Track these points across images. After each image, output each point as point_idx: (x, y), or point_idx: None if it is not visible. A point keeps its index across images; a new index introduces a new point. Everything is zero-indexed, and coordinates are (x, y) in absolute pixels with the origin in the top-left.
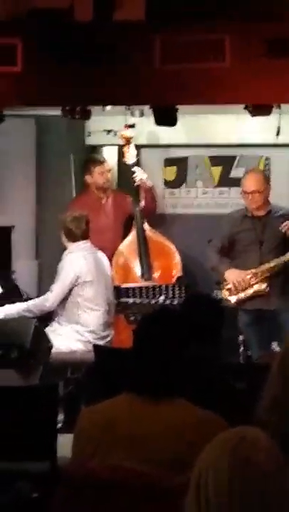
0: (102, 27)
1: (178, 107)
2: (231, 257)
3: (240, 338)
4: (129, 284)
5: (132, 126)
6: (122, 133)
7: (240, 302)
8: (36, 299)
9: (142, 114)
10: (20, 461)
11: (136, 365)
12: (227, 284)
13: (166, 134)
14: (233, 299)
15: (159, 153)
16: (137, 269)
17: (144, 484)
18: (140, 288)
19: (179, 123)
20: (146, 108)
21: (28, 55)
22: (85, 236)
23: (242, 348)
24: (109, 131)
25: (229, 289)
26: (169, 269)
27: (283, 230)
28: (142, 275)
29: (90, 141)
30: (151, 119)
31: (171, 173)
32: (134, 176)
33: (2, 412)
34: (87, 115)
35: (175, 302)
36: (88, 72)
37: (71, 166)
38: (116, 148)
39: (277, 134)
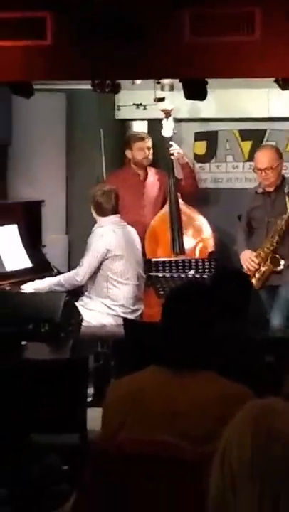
0: (132, 0)
1: (208, 80)
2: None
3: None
4: (160, 257)
5: (162, 99)
6: (161, 105)
7: (258, 285)
8: (66, 273)
9: (171, 88)
10: (50, 434)
11: (164, 339)
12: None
13: (196, 108)
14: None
15: (189, 128)
16: (169, 242)
17: (172, 456)
18: (170, 262)
19: (208, 97)
20: (176, 82)
21: (57, 29)
22: (114, 211)
23: (271, 323)
24: (138, 105)
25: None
26: (200, 244)
27: None
28: (174, 249)
29: (120, 115)
30: (181, 92)
31: (201, 147)
32: (172, 149)
33: (33, 385)
34: (116, 89)
35: (205, 276)
36: (118, 45)
37: (101, 141)
38: (146, 122)
39: None
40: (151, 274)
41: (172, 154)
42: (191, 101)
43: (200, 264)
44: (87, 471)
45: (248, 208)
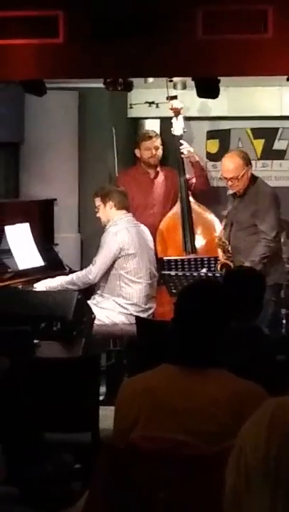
0: None
1: (220, 78)
2: None
3: (283, 311)
4: (172, 256)
5: (175, 98)
6: (171, 104)
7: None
8: (79, 272)
9: (184, 87)
10: (63, 433)
11: (176, 336)
12: None
13: (208, 107)
14: None
15: (201, 126)
16: (180, 241)
17: (185, 454)
18: (183, 260)
19: (221, 95)
20: (189, 80)
21: (70, 27)
22: (128, 210)
23: (284, 321)
24: (151, 104)
25: None
26: (212, 242)
27: None
28: (185, 247)
29: (132, 113)
30: (194, 91)
31: (214, 145)
32: (182, 148)
33: (45, 384)
34: (129, 87)
35: (217, 275)
36: (130, 43)
37: (113, 139)
38: (158, 121)
39: None
40: (163, 272)
41: (182, 153)
42: (204, 99)
43: (212, 262)
44: (100, 469)
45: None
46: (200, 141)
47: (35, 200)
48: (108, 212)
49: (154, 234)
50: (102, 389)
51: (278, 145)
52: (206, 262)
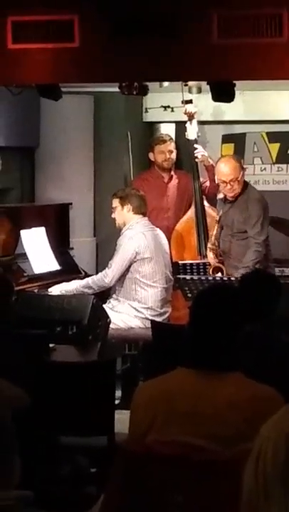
0: (159, 1)
1: (235, 82)
2: None
3: None
4: (187, 260)
5: (190, 102)
6: (185, 108)
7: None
8: (95, 276)
9: (199, 91)
10: (78, 436)
11: (191, 340)
12: None
13: (223, 111)
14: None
15: (216, 130)
16: (195, 245)
17: (201, 458)
18: (198, 264)
19: (236, 99)
20: (204, 84)
21: (85, 31)
22: (145, 215)
23: None
24: (166, 108)
25: None
26: None
27: None
28: (200, 251)
29: (147, 117)
30: (209, 95)
31: (229, 149)
32: (196, 152)
33: (61, 388)
34: (144, 91)
35: (232, 279)
36: (146, 47)
37: (129, 143)
38: (173, 125)
39: None
40: (178, 276)
41: (197, 157)
42: (219, 103)
43: None
44: (116, 473)
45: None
46: (215, 145)
47: (50, 205)
48: (125, 215)
49: (168, 238)
50: (118, 393)
51: None
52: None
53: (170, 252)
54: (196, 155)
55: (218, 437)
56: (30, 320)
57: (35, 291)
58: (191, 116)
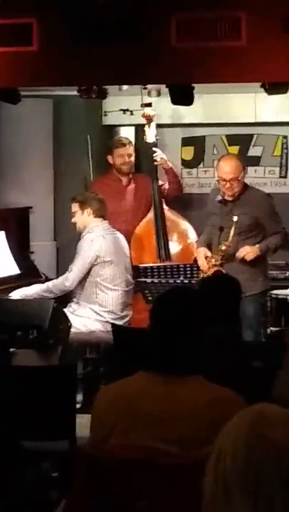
0: (118, 5)
1: (194, 85)
2: None
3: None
4: (146, 263)
5: (149, 105)
6: (143, 111)
7: None
8: (55, 280)
9: (158, 94)
10: (39, 441)
11: (152, 344)
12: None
13: (183, 114)
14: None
15: (176, 133)
16: (154, 248)
17: (162, 462)
18: (159, 267)
19: (195, 102)
20: (163, 87)
21: (43, 35)
22: (105, 218)
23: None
24: (125, 111)
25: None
26: (186, 249)
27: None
28: (160, 255)
29: (107, 121)
30: (168, 98)
31: (189, 152)
32: (155, 155)
33: (21, 392)
34: (103, 95)
35: (193, 282)
36: (104, 51)
37: (88, 147)
38: (133, 128)
39: None
40: (139, 279)
41: (156, 160)
42: (178, 106)
43: (188, 269)
44: (78, 477)
45: (209, 211)
46: (175, 148)
47: (10, 208)
48: (85, 218)
49: (128, 241)
50: (79, 397)
51: (253, 151)
52: (181, 269)
53: (130, 255)
54: (155, 158)
55: (181, 441)
56: None
57: None
58: (149, 120)
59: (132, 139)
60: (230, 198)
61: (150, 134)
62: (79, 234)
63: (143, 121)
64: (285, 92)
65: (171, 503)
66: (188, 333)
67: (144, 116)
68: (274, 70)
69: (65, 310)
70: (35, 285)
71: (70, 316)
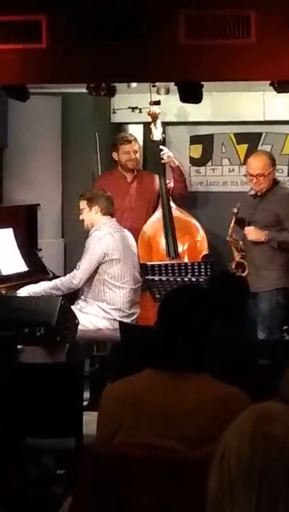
0: (127, 2)
1: (203, 83)
2: None
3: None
4: (155, 261)
5: (158, 103)
6: (149, 109)
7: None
8: (63, 277)
9: (167, 92)
10: (46, 438)
11: (159, 341)
12: None
13: (191, 112)
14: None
15: (184, 131)
16: (163, 246)
17: (168, 460)
18: (166, 265)
19: (204, 100)
20: (172, 85)
21: (52, 32)
22: (112, 216)
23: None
24: (134, 109)
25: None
26: (194, 247)
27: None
28: (168, 253)
29: (115, 118)
30: (177, 96)
31: (197, 150)
32: (162, 153)
33: (28, 389)
34: (112, 92)
35: (201, 280)
36: (113, 48)
37: (97, 144)
38: (141, 126)
39: None
40: (147, 277)
41: (163, 158)
42: (187, 104)
43: (196, 267)
44: (84, 474)
45: (241, 206)
46: (183, 146)
47: (18, 206)
48: (93, 216)
49: (134, 238)
50: (86, 394)
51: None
52: (189, 267)
53: (138, 254)
54: (162, 156)
55: (186, 438)
56: None
57: (3, 292)
58: (154, 118)
59: (141, 137)
60: (258, 193)
61: (156, 132)
62: (87, 231)
63: (150, 119)
64: None
65: (176, 500)
66: (195, 331)
67: (149, 114)
68: (283, 68)
69: (72, 307)
70: (42, 282)
71: (78, 314)
